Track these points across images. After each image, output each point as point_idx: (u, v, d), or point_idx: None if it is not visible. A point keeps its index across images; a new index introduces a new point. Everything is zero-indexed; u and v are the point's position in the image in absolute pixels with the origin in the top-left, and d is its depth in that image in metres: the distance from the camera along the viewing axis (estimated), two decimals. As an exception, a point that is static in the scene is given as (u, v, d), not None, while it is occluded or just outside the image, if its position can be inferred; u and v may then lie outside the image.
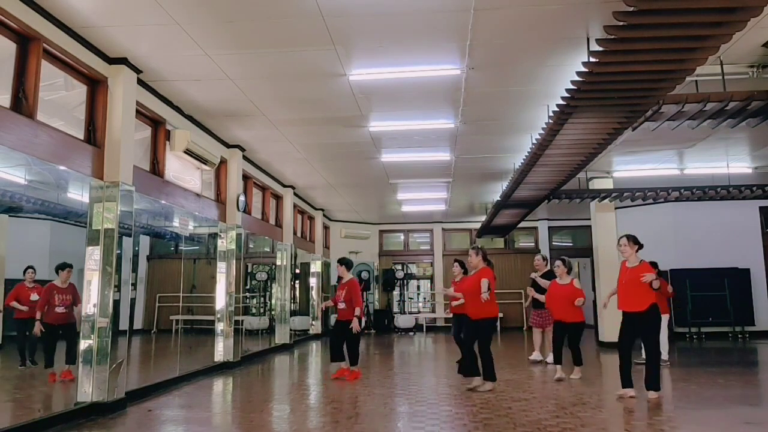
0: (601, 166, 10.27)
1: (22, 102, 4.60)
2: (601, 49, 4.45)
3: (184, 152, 7.07)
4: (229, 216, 8.86)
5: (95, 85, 5.64)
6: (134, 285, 13.14)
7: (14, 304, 7.05)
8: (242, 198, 9.05)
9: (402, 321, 16.06)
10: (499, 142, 8.73)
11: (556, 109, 5.72)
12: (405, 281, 17.46)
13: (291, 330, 12.06)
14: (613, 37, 4.25)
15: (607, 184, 11.11)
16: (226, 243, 8.78)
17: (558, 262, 7.52)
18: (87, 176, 5.39)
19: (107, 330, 5.36)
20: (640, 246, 6.14)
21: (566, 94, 5.31)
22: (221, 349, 8.53)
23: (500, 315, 6.73)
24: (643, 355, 8.21)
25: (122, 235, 5.62)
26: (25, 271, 7.30)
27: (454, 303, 7.75)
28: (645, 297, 5.75)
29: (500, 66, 5.91)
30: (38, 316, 6.84)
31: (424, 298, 18.28)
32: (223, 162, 8.77)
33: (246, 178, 9.82)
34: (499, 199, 11.05)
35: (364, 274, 16.39)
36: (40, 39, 4.72)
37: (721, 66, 5.63)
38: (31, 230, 9.20)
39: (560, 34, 5.18)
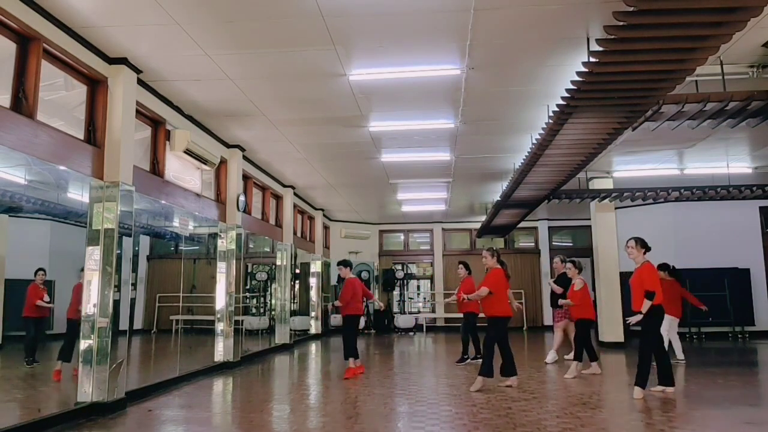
0: (601, 166, 10.27)
1: (22, 102, 4.60)
2: (601, 49, 4.45)
3: (184, 152, 7.07)
4: (229, 216, 8.87)
5: (95, 85, 5.64)
6: (134, 285, 13.14)
7: (40, 303, 7.27)
8: (242, 198, 9.05)
9: (402, 321, 16.06)
10: (499, 142, 8.73)
11: (556, 109, 5.72)
12: (405, 281, 17.46)
13: (291, 330, 12.07)
14: (613, 37, 4.25)
15: (607, 184, 11.12)
16: (226, 243, 8.78)
17: (570, 265, 7.89)
18: (87, 176, 5.39)
19: (107, 330, 5.36)
20: (648, 249, 6.22)
21: (566, 94, 5.31)
22: (221, 349, 8.53)
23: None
24: (677, 355, 8.38)
25: (122, 235, 5.62)
26: (36, 273, 7.35)
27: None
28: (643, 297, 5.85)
29: (500, 66, 5.91)
30: (73, 315, 6.91)
31: (424, 298, 18.28)
32: (223, 162, 8.77)
33: (246, 178, 9.82)
34: (499, 199, 11.05)
35: (364, 274, 16.39)
36: (40, 39, 4.72)
37: (721, 66, 5.64)
38: (31, 230, 9.20)
39: (560, 34, 5.18)
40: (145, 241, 14.29)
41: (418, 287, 18.62)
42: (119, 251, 5.52)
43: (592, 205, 11.59)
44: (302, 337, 13.63)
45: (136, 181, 5.90)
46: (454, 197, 13.45)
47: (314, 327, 14.55)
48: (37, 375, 7.47)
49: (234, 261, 8.77)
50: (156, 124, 6.84)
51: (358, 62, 5.80)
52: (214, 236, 9.16)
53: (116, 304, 5.50)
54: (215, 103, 7.03)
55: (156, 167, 6.79)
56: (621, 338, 10.97)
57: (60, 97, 5.70)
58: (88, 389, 5.26)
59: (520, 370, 7.89)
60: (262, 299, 14.55)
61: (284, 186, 11.99)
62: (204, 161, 7.61)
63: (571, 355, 8.03)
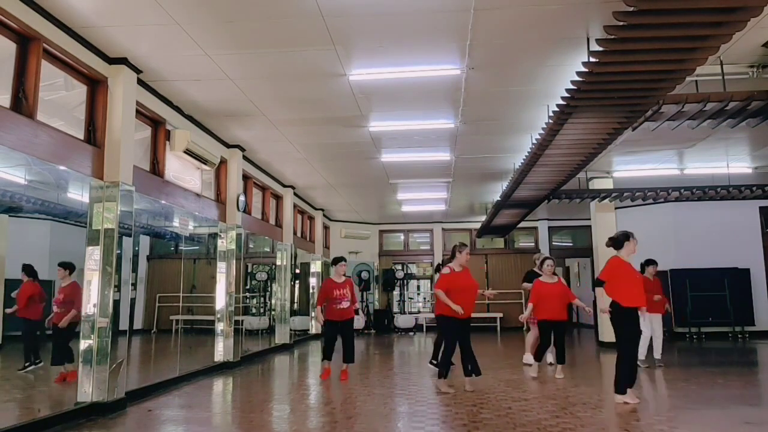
0: (601, 166, 10.27)
1: (22, 102, 4.60)
2: (601, 49, 4.45)
3: (184, 152, 7.07)
4: (229, 216, 8.87)
5: (95, 85, 5.64)
6: (134, 285, 13.15)
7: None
8: (242, 198, 9.05)
9: (402, 321, 16.06)
10: (499, 142, 8.73)
11: (556, 109, 5.72)
12: (405, 281, 17.46)
13: (291, 330, 12.07)
14: (613, 37, 4.25)
15: (607, 184, 11.11)
16: (226, 243, 8.78)
17: (550, 261, 7.58)
18: (87, 176, 5.39)
19: (107, 330, 5.36)
20: (618, 245, 6.00)
21: (566, 94, 5.31)
22: (221, 349, 8.53)
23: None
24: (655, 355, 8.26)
25: (122, 235, 5.62)
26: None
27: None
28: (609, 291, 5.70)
29: (500, 66, 5.91)
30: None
31: (424, 298, 18.28)
32: (223, 162, 8.77)
33: (246, 178, 9.82)
34: (499, 199, 11.05)
35: (364, 274, 16.39)
36: (40, 39, 4.72)
37: (721, 66, 5.64)
38: (31, 230, 9.20)
39: (560, 34, 5.18)
40: (145, 241, 14.30)
41: (418, 287, 18.62)
42: (119, 251, 5.53)
43: (592, 205, 11.59)
44: (302, 337, 13.63)
45: (136, 181, 5.91)
46: (454, 197, 13.45)
47: (314, 327, 14.55)
48: (38, 375, 7.46)
49: (234, 261, 8.77)
50: (156, 124, 6.84)
51: (358, 62, 5.80)
52: (214, 236, 9.16)
53: (116, 304, 5.50)
54: (215, 103, 7.03)
55: (156, 167, 6.79)
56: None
57: (60, 97, 5.70)
58: (88, 389, 5.26)
59: (521, 369, 7.89)
60: (262, 299, 14.56)
61: (284, 186, 11.99)
62: (204, 161, 7.61)
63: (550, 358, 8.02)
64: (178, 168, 7.38)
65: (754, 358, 10.02)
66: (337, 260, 7.80)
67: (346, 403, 5.89)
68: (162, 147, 6.91)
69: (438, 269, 8.56)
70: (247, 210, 9.57)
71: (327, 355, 7.46)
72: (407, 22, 4.94)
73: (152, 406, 5.75)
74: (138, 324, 14.05)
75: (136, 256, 13.66)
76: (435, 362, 7.67)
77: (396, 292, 17.26)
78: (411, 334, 15.49)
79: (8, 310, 7.28)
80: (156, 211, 9.72)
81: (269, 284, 13.78)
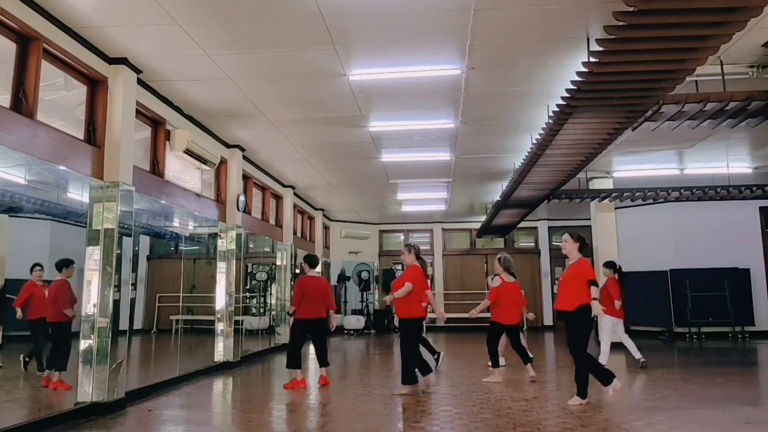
0: (601, 166, 10.27)
1: (22, 102, 4.60)
2: (601, 49, 4.45)
3: (184, 152, 7.07)
4: (229, 216, 8.87)
5: (95, 85, 5.64)
6: (134, 285, 13.15)
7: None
8: (242, 198, 9.05)
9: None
10: (499, 142, 8.73)
11: (556, 109, 5.72)
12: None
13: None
14: (613, 37, 4.25)
15: (607, 184, 11.11)
16: (226, 243, 8.78)
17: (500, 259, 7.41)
18: (87, 176, 5.39)
19: (107, 330, 5.36)
20: (583, 244, 5.82)
21: (566, 94, 5.31)
22: (221, 349, 8.53)
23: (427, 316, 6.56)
24: (635, 355, 8.15)
25: (122, 235, 5.62)
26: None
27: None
28: (574, 297, 5.48)
29: (500, 66, 5.91)
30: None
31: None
32: (223, 162, 8.77)
33: (246, 178, 9.82)
34: (499, 199, 11.05)
35: (364, 274, 16.39)
36: (40, 39, 4.72)
37: (721, 66, 5.63)
38: (31, 230, 9.20)
39: (560, 34, 5.18)
40: (145, 241, 14.30)
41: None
42: (119, 251, 5.53)
43: (592, 205, 11.59)
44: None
45: (136, 181, 5.91)
46: (454, 197, 13.45)
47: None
48: (38, 375, 7.46)
49: (234, 261, 8.77)
50: (156, 124, 6.84)
51: (358, 62, 5.80)
52: (214, 236, 9.16)
53: (116, 304, 5.50)
54: (215, 103, 7.03)
55: (156, 167, 6.79)
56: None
57: (60, 97, 5.70)
58: (88, 389, 5.26)
59: (521, 369, 7.89)
60: (262, 299, 14.55)
61: (284, 186, 11.99)
62: (204, 161, 7.61)
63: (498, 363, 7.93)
64: (178, 168, 7.38)
65: (754, 358, 10.02)
66: (315, 261, 7.23)
67: (345, 403, 5.88)
68: (162, 147, 6.91)
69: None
70: (247, 210, 9.57)
71: (296, 362, 6.89)
72: (407, 22, 4.94)
73: (152, 406, 5.76)
74: (138, 324, 14.04)
75: (136, 256, 13.66)
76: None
77: (396, 292, 17.21)
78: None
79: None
80: (156, 211, 9.72)
81: (269, 284, 13.77)
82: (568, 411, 5.22)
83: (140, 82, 6.12)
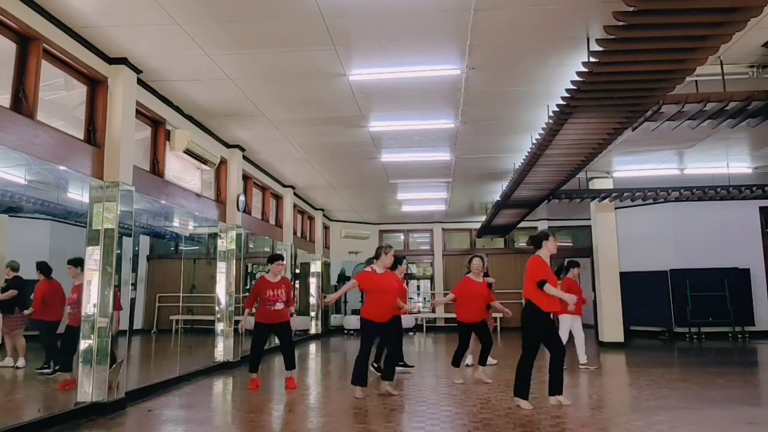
0: (601, 166, 10.27)
1: (22, 102, 4.60)
2: (601, 49, 4.45)
3: (184, 152, 7.07)
4: (229, 216, 8.87)
5: (95, 85, 5.64)
6: (134, 285, 13.14)
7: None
8: (242, 198, 9.05)
9: (402, 321, 16.01)
10: (499, 142, 8.73)
11: (556, 109, 5.72)
12: (405, 281, 17.41)
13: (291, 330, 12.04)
14: (613, 37, 4.25)
15: (607, 184, 11.12)
16: (226, 243, 8.78)
17: (477, 260, 7.14)
18: (87, 176, 5.39)
19: (107, 330, 5.36)
20: (537, 245, 5.58)
21: (566, 94, 5.31)
22: (221, 349, 8.53)
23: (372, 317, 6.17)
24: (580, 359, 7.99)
25: (122, 235, 5.62)
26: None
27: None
28: (528, 292, 5.39)
29: (500, 66, 5.91)
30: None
31: (424, 298, 18.27)
32: (223, 162, 8.77)
33: (246, 178, 9.82)
34: (499, 199, 11.05)
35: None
36: (40, 39, 4.72)
37: (721, 66, 5.63)
38: (31, 230, 9.20)
39: (560, 34, 5.18)
40: (145, 241, 14.29)
41: (418, 287, 18.61)
42: (119, 251, 5.52)
43: (592, 205, 11.59)
44: (302, 337, 13.61)
45: (136, 181, 5.90)
46: (454, 197, 13.45)
47: (314, 327, 14.55)
48: (37, 375, 7.46)
49: (234, 261, 8.77)
50: (156, 124, 6.84)
51: (358, 62, 5.80)
52: (214, 236, 9.16)
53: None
54: (215, 103, 7.03)
55: (156, 167, 6.79)
56: (621, 338, 10.97)
57: (60, 97, 5.70)
58: (88, 389, 5.26)
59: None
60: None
61: (284, 186, 11.99)
62: (204, 161, 7.61)
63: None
64: (178, 168, 7.38)
65: (754, 358, 10.02)
66: (274, 258, 6.88)
67: (345, 403, 5.88)
68: (162, 147, 6.91)
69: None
70: (247, 210, 9.57)
71: (254, 365, 6.77)
72: (407, 22, 4.94)
73: (152, 406, 5.75)
74: (138, 324, 14.04)
75: (136, 256, 13.65)
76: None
77: (396, 292, 17.20)
78: (411, 334, 15.48)
79: (26, 312, 7.19)
80: (156, 211, 9.72)
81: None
82: (567, 411, 5.21)
83: (140, 82, 6.12)
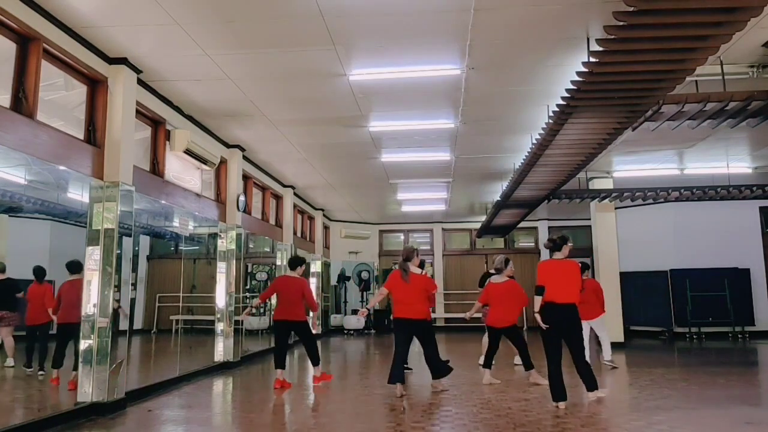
0: (601, 166, 10.27)
1: (22, 102, 4.60)
2: (601, 49, 4.45)
3: (184, 152, 7.07)
4: (229, 216, 8.86)
5: (95, 85, 5.64)
6: (134, 285, 13.14)
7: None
8: (242, 198, 9.05)
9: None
10: (499, 142, 8.73)
11: (556, 109, 5.72)
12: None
13: (291, 330, 12.04)
14: (613, 37, 4.25)
15: (607, 184, 11.11)
16: (226, 243, 8.78)
17: (501, 258, 7.23)
18: (87, 176, 5.39)
19: (107, 330, 5.36)
20: (557, 248, 5.86)
21: (566, 94, 5.31)
22: (221, 349, 8.53)
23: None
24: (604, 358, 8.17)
25: (122, 235, 5.62)
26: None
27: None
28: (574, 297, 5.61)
29: (500, 66, 5.91)
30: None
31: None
32: (223, 162, 8.77)
33: (246, 178, 9.82)
34: (499, 199, 11.04)
35: (364, 274, 16.39)
36: (40, 39, 4.72)
37: (721, 66, 5.63)
38: (31, 230, 9.20)
39: (560, 34, 5.18)
40: (145, 241, 14.29)
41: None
42: (119, 251, 5.52)
43: (592, 205, 11.59)
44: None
45: (136, 181, 5.90)
46: (454, 197, 13.45)
47: (314, 328, 14.55)
48: (37, 375, 7.45)
49: (234, 261, 8.77)
50: (156, 124, 6.84)
51: (358, 62, 5.80)
52: (214, 236, 9.16)
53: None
54: (215, 103, 7.03)
55: (156, 167, 6.79)
56: (621, 338, 10.96)
57: (60, 97, 5.70)
58: (88, 389, 5.26)
59: (521, 370, 7.88)
60: (262, 299, 14.52)
61: (284, 186, 11.99)
62: (204, 161, 7.60)
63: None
64: (178, 168, 7.38)
65: (754, 358, 10.02)
66: (298, 262, 7.17)
67: (346, 403, 5.88)
68: (162, 147, 6.90)
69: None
70: (247, 210, 9.57)
71: (281, 362, 6.95)
72: (407, 22, 4.94)
73: (152, 406, 5.75)
74: (138, 324, 14.03)
75: (136, 256, 13.65)
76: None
77: (396, 292, 17.20)
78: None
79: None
80: (156, 211, 9.72)
81: (269, 284, 13.76)
82: (567, 411, 5.22)
83: (140, 82, 6.12)
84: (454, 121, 7.67)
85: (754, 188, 9.98)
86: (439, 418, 5.04)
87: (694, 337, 12.53)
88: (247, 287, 13.64)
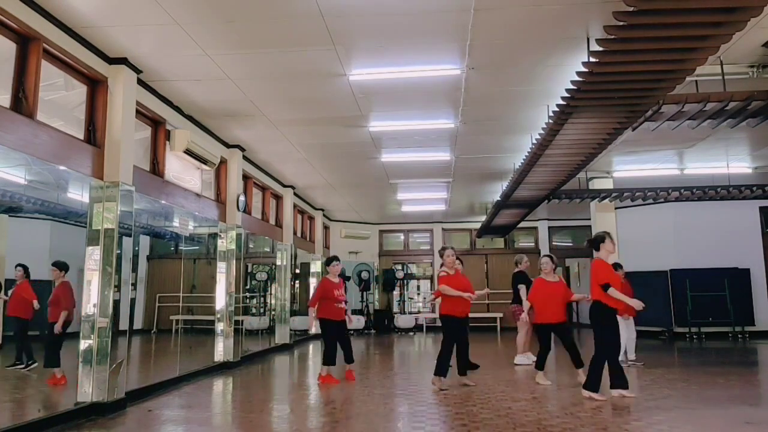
0: (601, 166, 10.27)
1: (22, 102, 4.60)
2: (601, 49, 4.45)
3: (184, 152, 7.06)
4: (229, 216, 8.86)
5: (95, 85, 5.64)
6: (134, 285, 13.15)
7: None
8: (242, 198, 9.05)
9: (402, 321, 16.06)
10: (499, 142, 8.73)
11: (556, 109, 5.73)
12: (405, 281, 17.45)
13: (291, 330, 12.07)
14: (613, 37, 4.26)
15: (607, 184, 11.12)
16: (226, 243, 8.78)
17: (546, 259, 7.18)
18: (87, 176, 5.39)
19: (107, 330, 5.36)
20: (596, 247, 6.08)
21: (566, 94, 5.31)
22: (221, 349, 8.53)
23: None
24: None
25: (122, 235, 5.62)
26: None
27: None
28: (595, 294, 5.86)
29: (500, 66, 5.91)
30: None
31: (424, 298, 18.27)
32: (223, 162, 8.77)
33: (246, 178, 9.82)
34: (499, 199, 11.05)
35: (364, 274, 16.39)
36: (40, 39, 4.72)
37: (721, 66, 5.64)
38: (31, 230, 9.20)
39: (560, 34, 5.18)
40: (145, 241, 14.31)
41: (418, 287, 18.63)
42: (119, 251, 5.52)
43: (592, 205, 11.59)
44: (302, 337, 13.62)
45: (136, 181, 5.90)
46: (454, 197, 13.45)
47: (314, 327, 14.53)
48: (37, 375, 7.46)
49: (234, 261, 8.76)
50: (156, 124, 6.84)
51: (358, 62, 5.80)
52: (214, 236, 9.16)
53: (116, 304, 5.50)
54: (215, 103, 7.03)
55: (156, 167, 6.79)
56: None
57: (60, 97, 5.70)
58: (88, 389, 5.26)
59: (521, 370, 7.88)
60: (262, 299, 14.55)
61: (284, 186, 11.99)
62: (204, 161, 7.60)
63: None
64: (178, 168, 7.38)
65: (754, 358, 10.02)
66: (332, 259, 7.59)
67: (346, 403, 5.89)
68: (162, 147, 6.90)
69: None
70: (247, 210, 9.57)
71: (333, 359, 7.10)
72: (407, 22, 4.94)
73: (152, 406, 5.75)
74: (138, 324, 14.05)
75: (136, 256, 13.66)
76: None
77: (396, 292, 17.25)
78: (411, 334, 15.49)
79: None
80: (156, 211, 9.73)
81: (269, 284, 13.77)
82: (568, 411, 5.22)
83: (140, 82, 6.12)
84: (454, 121, 7.67)
85: (754, 188, 9.99)
86: (439, 418, 5.04)
87: (694, 337, 12.53)
88: (247, 287, 13.66)
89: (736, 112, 5.84)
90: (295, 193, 12.53)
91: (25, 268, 7.16)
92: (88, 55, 5.35)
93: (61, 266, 6.83)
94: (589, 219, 12.09)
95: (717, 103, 5.72)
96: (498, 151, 9.32)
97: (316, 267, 14.85)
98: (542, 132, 6.57)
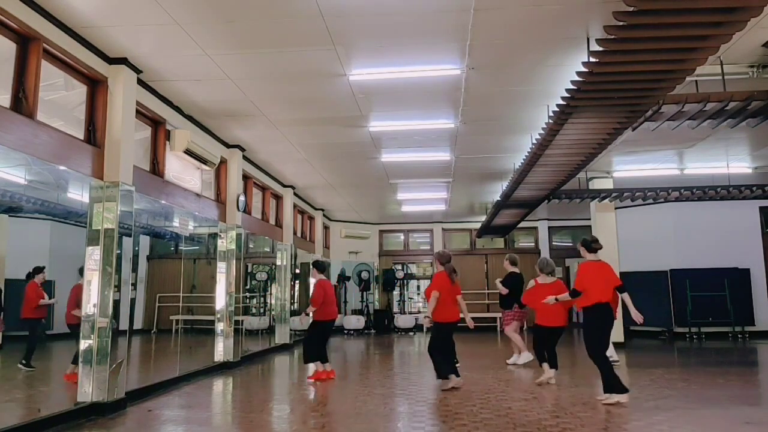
0: (601, 166, 10.27)
1: (22, 102, 4.60)
2: (601, 49, 4.45)
3: (184, 152, 7.06)
4: (229, 216, 8.86)
5: (95, 85, 5.64)
6: (134, 285, 13.15)
7: (43, 301, 7.47)
8: (242, 198, 9.04)
9: (402, 321, 16.06)
10: (499, 142, 8.73)
11: (556, 109, 5.72)
12: (405, 281, 17.45)
13: (291, 330, 12.07)
14: (613, 37, 4.25)
15: (607, 184, 11.11)
16: (226, 243, 8.77)
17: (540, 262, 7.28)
18: (87, 176, 5.39)
19: (107, 330, 5.36)
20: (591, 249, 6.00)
21: (566, 94, 5.31)
22: (221, 349, 8.53)
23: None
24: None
25: (122, 235, 5.62)
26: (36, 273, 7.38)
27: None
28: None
29: (500, 66, 5.91)
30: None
31: (424, 298, 18.26)
32: (223, 162, 8.77)
33: (246, 178, 9.82)
34: (499, 199, 11.05)
35: (364, 274, 16.40)
36: (40, 39, 4.72)
37: (721, 66, 5.63)
38: (31, 230, 9.21)
39: (560, 34, 5.18)
40: (145, 241, 14.31)
41: (418, 287, 18.61)
42: (119, 251, 5.52)
43: (592, 205, 11.59)
44: (302, 337, 13.58)
45: (136, 181, 5.90)
46: (454, 197, 13.45)
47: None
48: (37, 375, 7.46)
49: (234, 261, 8.76)
50: (156, 124, 6.84)
51: (358, 62, 5.80)
52: (214, 236, 9.16)
53: (116, 304, 5.50)
54: (215, 103, 7.03)
55: (156, 167, 6.79)
56: (621, 338, 10.96)
57: (60, 97, 5.70)
58: (88, 389, 5.26)
59: (520, 370, 7.88)
60: (262, 299, 14.55)
61: (284, 186, 11.99)
62: (204, 161, 7.60)
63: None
64: (178, 168, 7.38)
65: (754, 358, 10.02)
66: (325, 266, 7.92)
67: (346, 403, 5.89)
68: (162, 147, 6.90)
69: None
70: (247, 210, 9.57)
71: (315, 357, 7.21)
72: (407, 22, 4.94)
73: (152, 406, 5.75)
74: (138, 324, 14.05)
75: (136, 256, 13.67)
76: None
77: (396, 292, 17.26)
78: (411, 334, 15.49)
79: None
80: (156, 211, 9.73)
81: (269, 284, 13.78)
82: (567, 411, 5.22)
83: (140, 82, 6.12)
84: (454, 121, 7.67)
85: (754, 188, 9.98)
86: (439, 418, 5.04)
87: (694, 337, 12.53)
88: (247, 287, 13.66)
89: (736, 112, 5.83)
90: (295, 193, 12.53)
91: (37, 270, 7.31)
92: (88, 55, 5.35)
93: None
94: (589, 219, 12.08)
95: (717, 103, 5.71)
96: (498, 151, 9.32)
97: (316, 267, 14.84)
98: (542, 132, 6.57)
